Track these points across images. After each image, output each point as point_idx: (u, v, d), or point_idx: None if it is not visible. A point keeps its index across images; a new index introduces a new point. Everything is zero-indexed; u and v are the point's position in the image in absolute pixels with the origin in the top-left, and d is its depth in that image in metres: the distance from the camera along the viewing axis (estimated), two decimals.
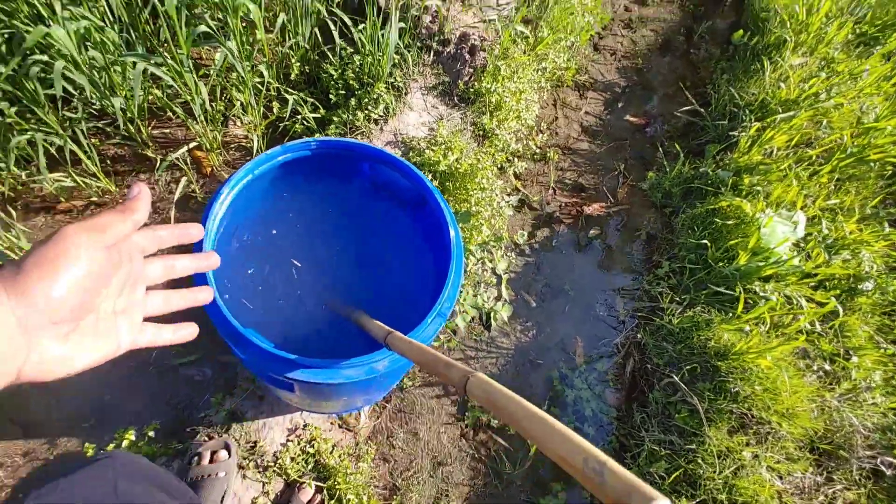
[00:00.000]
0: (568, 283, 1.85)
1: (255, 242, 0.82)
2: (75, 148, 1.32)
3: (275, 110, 1.68)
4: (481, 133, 1.74)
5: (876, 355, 1.56)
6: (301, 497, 1.17)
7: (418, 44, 1.75)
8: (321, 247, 0.85)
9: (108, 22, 1.28)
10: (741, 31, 2.18)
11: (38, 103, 1.19)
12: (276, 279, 0.83)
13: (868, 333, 1.59)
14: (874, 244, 1.64)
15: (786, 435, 1.39)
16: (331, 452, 1.25)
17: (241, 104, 1.44)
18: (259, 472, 1.20)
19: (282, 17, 1.50)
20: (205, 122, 1.44)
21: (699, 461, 1.38)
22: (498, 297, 1.71)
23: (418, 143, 1.60)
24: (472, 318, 1.67)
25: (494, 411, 0.39)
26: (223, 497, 1.02)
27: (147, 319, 0.43)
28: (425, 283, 0.83)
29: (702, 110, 2.10)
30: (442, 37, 1.76)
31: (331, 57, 1.69)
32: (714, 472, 1.34)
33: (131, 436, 1.24)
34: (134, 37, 1.32)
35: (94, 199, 1.48)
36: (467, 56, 1.74)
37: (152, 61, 1.15)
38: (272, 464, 1.21)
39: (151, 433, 1.26)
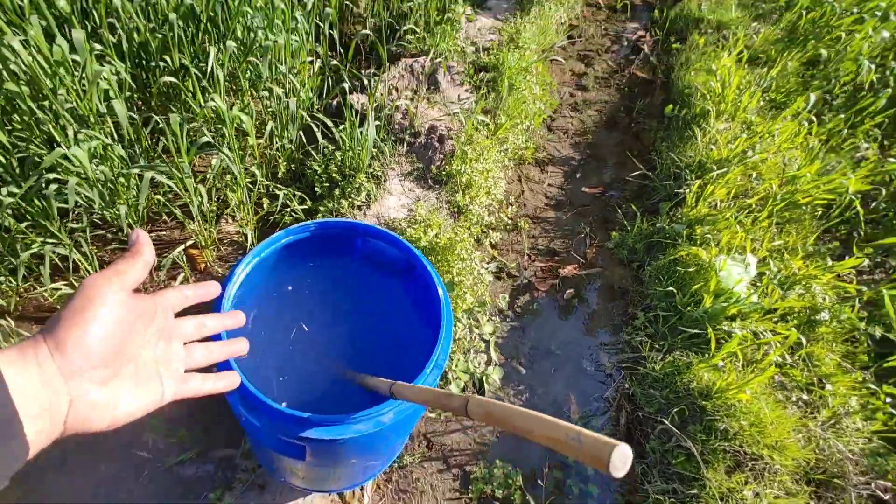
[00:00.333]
0: (553, 344, 1.92)
1: (262, 317, 0.90)
2: (79, 256, 1.40)
3: (265, 206, 1.82)
4: (456, 209, 1.91)
5: (848, 381, 1.64)
6: None
7: (392, 137, 1.96)
8: (321, 318, 0.93)
9: (113, 140, 1.44)
10: (671, 106, 2.51)
11: (48, 217, 1.29)
12: (279, 350, 0.90)
13: (835, 361, 1.70)
14: (822, 277, 1.80)
15: (780, 469, 1.42)
16: None
17: (236, 203, 1.57)
18: None
19: (270, 124, 1.69)
20: (201, 222, 1.56)
21: None
22: (488, 362, 1.76)
23: (399, 224, 1.74)
24: (465, 384, 1.71)
25: (493, 422, 0.46)
26: None
27: (190, 371, 0.46)
28: (420, 342, 0.91)
29: (650, 174, 2.35)
30: (413, 130, 1.98)
31: (314, 154, 1.88)
32: None
33: None
34: (137, 151, 1.47)
35: None
36: (437, 144, 1.95)
37: (159, 170, 1.29)
38: None
39: None
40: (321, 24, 1.95)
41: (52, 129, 1.29)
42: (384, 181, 1.87)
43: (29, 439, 0.32)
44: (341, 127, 1.75)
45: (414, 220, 1.75)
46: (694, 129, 2.25)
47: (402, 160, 1.94)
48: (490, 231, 2.08)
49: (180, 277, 1.57)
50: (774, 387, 1.60)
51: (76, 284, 1.47)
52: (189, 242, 1.65)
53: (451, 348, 0.82)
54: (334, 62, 2.04)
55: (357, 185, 1.80)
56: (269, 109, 1.75)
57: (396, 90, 2.13)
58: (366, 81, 2.00)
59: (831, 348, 1.71)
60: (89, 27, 1.44)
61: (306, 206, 1.81)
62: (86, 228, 1.42)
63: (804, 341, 1.64)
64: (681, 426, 1.53)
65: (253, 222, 1.69)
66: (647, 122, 2.73)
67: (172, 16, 1.47)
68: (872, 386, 1.66)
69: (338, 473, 0.94)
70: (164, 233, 1.76)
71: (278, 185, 1.76)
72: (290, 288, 0.93)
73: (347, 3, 2.40)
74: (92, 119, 1.36)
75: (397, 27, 2.34)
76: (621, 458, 0.34)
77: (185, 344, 0.46)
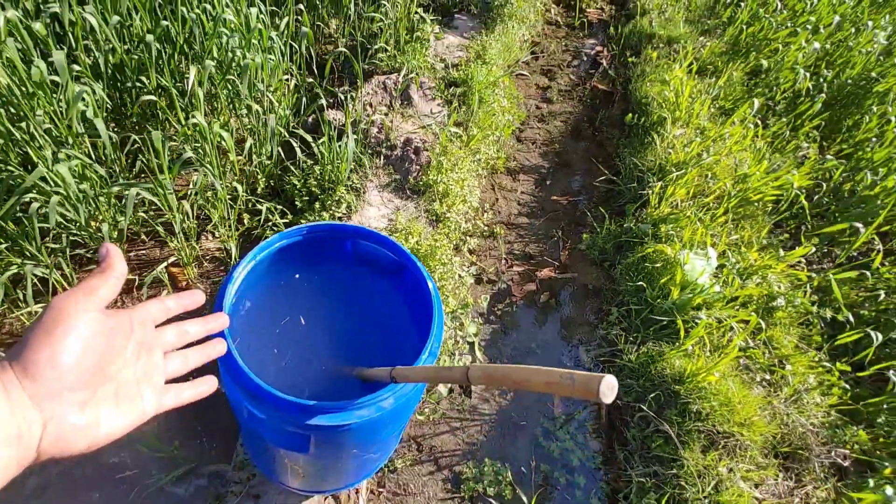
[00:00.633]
0: (534, 343, 2.00)
1: (259, 318, 0.93)
2: (59, 277, 1.39)
3: (245, 221, 1.84)
4: (434, 218, 1.97)
5: (805, 361, 1.77)
6: None
7: (370, 151, 2.02)
8: (317, 317, 0.97)
9: (90, 159, 1.44)
10: (631, 115, 2.67)
11: (27, 238, 1.28)
12: (276, 349, 0.93)
13: (793, 343, 1.83)
14: (776, 267, 1.95)
15: (750, 444, 1.52)
16: None
17: (218, 218, 1.59)
18: None
19: (249, 141, 1.73)
20: (183, 239, 1.57)
21: (683, 484, 1.46)
22: (473, 362, 1.81)
23: (381, 233, 1.79)
24: (452, 385, 1.75)
25: (494, 382, 0.52)
26: None
27: (170, 381, 0.44)
28: (412, 335, 0.96)
29: (615, 179, 2.48)
30: (389, 143, 2.05)
31: (293, 170, 1.92)
32: (698, 491, 1.43)
33: None
34: (117, 170, 1.48)
35: None
36: (413, 156, 2.02)
37: (144, 187, 1.30)
38: None
39: None
40: (294, 45, 2.01)
41: (29, 150, 1.30)
42: (363, 193, 1.92)
43: None
44: (320, 141, 1.80)
45: (395, 228, 1.81)
46: (653, 136, 2.40)
47: (380, 172, 2.00)
48: (468, 238, 2.16)
49: (163, 294, 1.57)
50: (740, 369, 1.71)
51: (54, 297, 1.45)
52: (170, 260, 1.65)
53: (443, 331, 0.86)
54: (309, 80, 2.09)
55: (337, 198, 1.85)
56: (248, 126, 1.79)
57: (371, 106, 2.20)
58: (342, 97, 2.07)
59: (788, 331, 1.85)
60: (64, 49, 1.46)
61: (287, 220, 1.84)
62: (65, 249, 1.41)
63: (764, 326, 1.76)
64: (658, 411, 1.62)
65: (235, 237, 1.70)
66: (609, 130, 2.88)
67: (149, 37, 1.50)
68: (827, 364, 1.80)
69: (338, 468, 0.97)
70: (143, 252, 1.75)
71: (260, 200, 1.78)
72: (285, 289, 0.97)
73: (318, 24, 2.47)
74: (70, 139, 1.36)
75: (368, 46, 2.42)
76: (608, 386, 0.40)
77: (166, 353, 0.45)
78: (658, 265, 1.92)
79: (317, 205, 1.86)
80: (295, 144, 1.83)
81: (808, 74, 2.65)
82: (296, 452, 0.84)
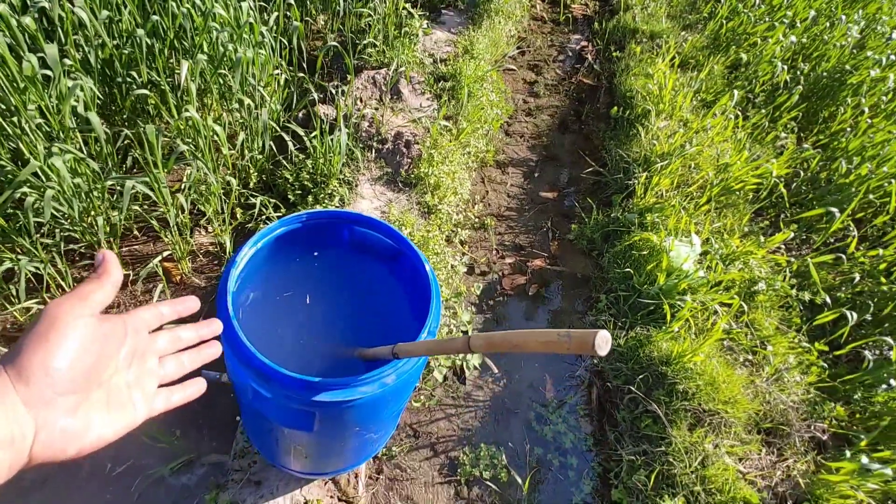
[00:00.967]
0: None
1: (260, 303, 0.96)
2: (53, 272, 1.39)
3: (238, 216, 1.85)
4: (426, 210, 2.00)
5: (785, 342, 1.85)
6: None
7: (361, 145, 2.04)
8: (317, 301, 1.00)
9: (84, 153, 1.45)
10: (616, 108, 2.73)
11: (20, 232, 1.29)
12: (278, 333, 0.96)
13: (774, 325, 1.90)
14: (757, 252, 2.02)
15: (734, 421, 1.58)
16: None
17: (212, 212, 1.60)
18: None
19: (241, 135, 1.74)
20: (177, 233, 1.58)
21: (671, 461, 1.52)
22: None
23: (379, 219, 1.82)
24: (448, 372, 1.79)
25: (495, 348, 0.55)
26: None
27: (165, 385, 0.45)
28: (410, 318, 0.99)
29: (602, 170, 2.54)
30: (380, 136, 2.07)
31: (285, 164, 1.93)
32: (685, 467, 1.49)
33: None
34: (110, 164, 1.49)
35: None
36: (404, 149, 2.05)
37: (139, 180, 1.31)
38: None
39: None
40: (283, 40, 2.02)
41: (21, 145, 1.30)
42: (356, 186, 1.94)
43: None
44: (313, 135, 1.82)
45: (387, 220, 1.83)
46: (638, 128, 2.46)
47: (372, 165, 2.03)
48: (459, 229, 2.19)
49: (159, 288, 1.57)
50: (724, 350, 1.78)
51: (49, 302, 1.45)
52: (164, 254, 1.66)
53: (441, 311, 0.90)
54: (299, 75, 2.10)
55: (330, 191, 1.87)
56: (239, 121, 1.80)
57: (361, 100, 2.22)
58: (332, 92, 2.08)
59: (769, 314, 1.92)
60: (55, 44, 1.45)
61: (280, 214, 1.85)
62: (59, 244, 1.41)
63: (746, 309, 1.83)
64: (646, 392, 1.67)
65: (228, 231, 1.72)
66: (595, 123, 2.94)
67: (140, 32, 1.51)
68: (806, 344, 1.87)
69: (340, 448, 1.00)
70: (136, 247, 1.75)
71: (253, 193, 1.80)
72: (285, 275, 1.00)
73: (307, 19, 2.48)
74: (62, 134, 1.37)
75: (357, 41, 2.44)
76: (603, 339, 0.44)
77: (161, 358, 0.45)
78: (644, 253, 1.98)
79: (309, 198, 1.88)
80: (287, 139, 1.84)
81: (785, 67, 2.73)
82: (300, 431, 0.87)
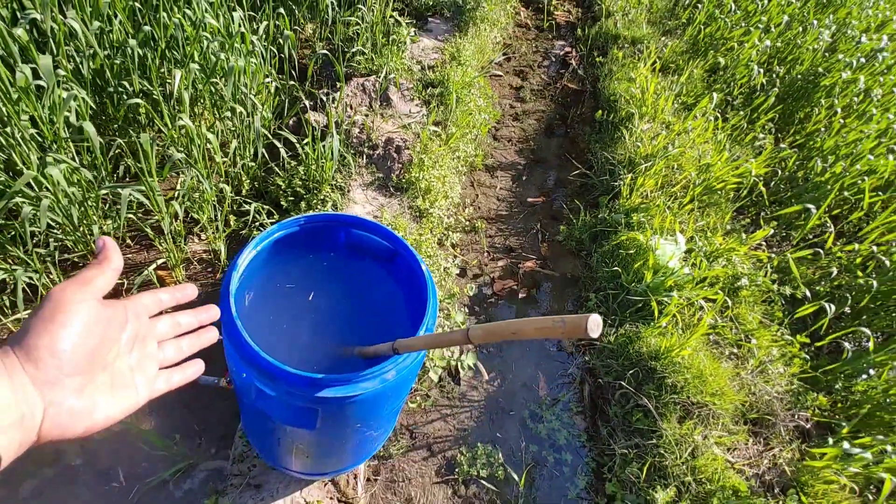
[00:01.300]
0: None
1: (260, 306, 0.98)
2: (48, 282, 1.40)
3: (231, 223, 1.87)
4: (418, 213, 2.03)
5: (768, 335, 1.91)
6: None
7: (352, 151, 2.07)
8: (316, 303, 1.02)
9: (76, 163, 1.45)
10: (601, 112, 2.80)
11: (17, 243, 1.29)
12: (278, 334, 0.98)
13: (757, 319, 1.96)
14: (739, 249, 2.08)
15: (721, 413, 1.63)
16: None
17: (207, 219, 1.61)
18: None
19: (234, 143, 1.75)
20: (171, 240, 1.59)
21: (662, 453, 1.56)
22: (462, 352, 1.88)
23: (375, 222, 1.85)
24: (443, 372, 1.82)
25: (494, 337, 0.58)
26: None
27: (165, 368, 0.47)
28: (407, 318, 1.02)
29: (588, 172, 2.60)
30: (371, 142, 2.11)
31: (277, 171, 1.95)
32: (676, 458, 1.53)
33: None
34: (104, 173, 1.49)
35: None
36: (395, 154, 2.08)
37: (135, 188, 1.32)
38: None
39: None
40: (273, 49, 2.04)
41: (14, 155, 1.30)
42: (348, 191, 1.97)
43: (1, 450, 0.32)
44: (305, 141, 1.84)
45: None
46: (622, 130, 2.53)
47: (364, 171, 2.05)
48: (450, 232, 2.23)
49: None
50: (710, 344, 1.83)
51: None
52: (158, 262, 1.67)
53: (437, 308, 0.92)
54: (290, 83, 2.13)
55: (322, 197, 1.89)
56: (231, 129, 1.82)
57: (351, 107, 2.25)
58: (323, 99, 2.11)
59: (752, 308, 1.98)
60: (48, 55, 1.46)
61: (274, 220, 1.87)
62: (53, 253, 1.41)
63: (730, 304, 1.89)
64: (637, 387, 1.72)
65: (222, 238, 1.73)
66: (580, 127, 3.00)
67: (132, 42, 1.52)
68: (788, 337, 1.94)
69: (340, 446, 1.02)
70: (128, 256, 1.76)
71: (246, 200, 1.81)
72: (284, 277, 1.02)
73: (295, 28, 2.50)
74: (56, 144, 1.37)
75: (346, 49, 2.47)
76: (594, 323, 0.47)
77: (160, 342, 0.47)
78: (632, 251, 2.03)
79: (302, 204, 1.90)
80: (279, 146, 1.86)
81: (761, 71, 2.82)
82: (303, 430, 0.89)
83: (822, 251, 2.16)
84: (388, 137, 2.14)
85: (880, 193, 2.34)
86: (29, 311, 1.41)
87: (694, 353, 1.66)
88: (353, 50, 2.43)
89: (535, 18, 3.96)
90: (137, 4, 1.62)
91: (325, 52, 2.13)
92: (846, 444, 1.50)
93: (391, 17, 2.58)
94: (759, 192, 2.36)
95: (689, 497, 1.48)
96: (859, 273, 2.10)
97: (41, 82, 1.33)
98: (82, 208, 1.39)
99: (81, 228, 1.47)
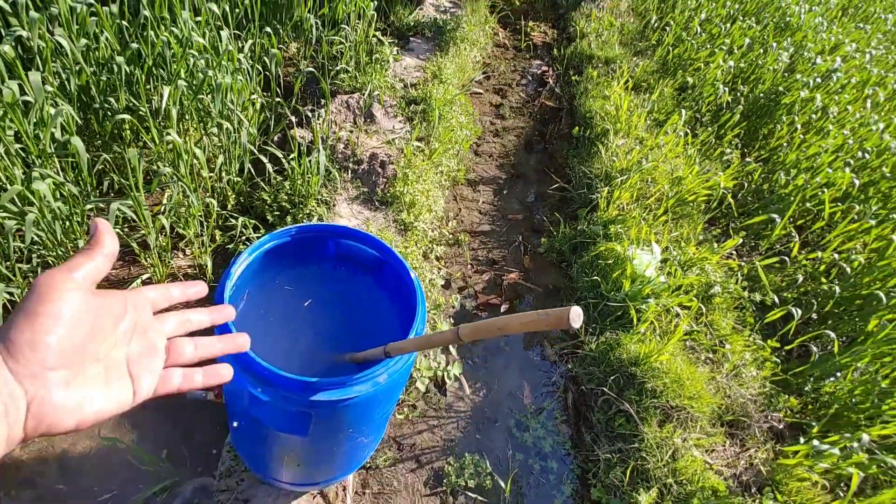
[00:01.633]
0: (502, 342, 2.12)
1: (253, 314, 1.00)
2: None
3: (217, 238, 1.87)
4: (403, 227, 2.07)
5: (741, 340, 1.99)
6: None
7: (337, 166, 2.11)
8: (308, 311, 1.04)
9: (62, 178, 1.45)
10: (577, 128, 2.91)
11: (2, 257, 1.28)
12: (271, 341, 0.99)
13: (730, 325, 2.05)
14: (712, 258, 2.18)
15: (699, 416, 1.69)
16: None
17: (193, 234, 1.62)
18: None
19: (220, 158, 1.77)
20: (157, 256, 1.59)
21: (644, 456, 1.61)
22: (448, 360, 1.91)
23: (365, 231, 1.88)
24: (429, 383, 1.84)
25: (483, 334, 0.62)
26: None
27: (186, 367, 0.44)
28: (397, 326, 1.05)
29: (567, 186, 2.69)
30: (356, 158, 2.15)
31: (263, 186, 1.97)
32: (658, 461, 1.58)
33: None
34: (89, 188, 1.50)
35: None
36: (379, 169, 2.12)
37: (123, 203, 1.33)
38: None
39: None
40: (258, 67, 2.08)
41: None
42: (334, 206, 2.00)
43: None
44: (291, 156, 1.87)
45: None
46: (598, 146, 2.63)
47: (349, 186, 2.09)
48: (435, 245, 2.27)
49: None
50: (686, 350, 1.90)
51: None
52: (143, 278, 1.66)
53: (426, 314, 0.95)
54: (276, 100, 2.17)
55: (308, 211, 1.92)
56: (218, 145, 1.84)
57: (336, 123, 2.29)
58: (309, 115, 2.15)
59: (725, 315, 2.07)
60: (34, 71, 1.47)
61: (260, 234, 1.88)
62: (36, 269, 1.40)
63: (704, 310, 1.97)
64: (618, 393, 1.77)
65: (208, 253, 1.73)
66: (558, 143, 3.11)
67: (119, 59, 1.54)
68: (760, 341, 2.02)
69: (332, 453, 1.03)
70: (112, 272, 1.74)
71: (233, 215, 1.83)
72: (275, 287, 1.04)
73: (280, 47, 2.55)
74: (41, 159, 1.38)
75: (330, 68, 2.52)
76: (576, 314, 0.51)
77: (169, 339, 0.44)
78: (610, 262, 2.11)
79: (288, 219, 1.92)
80: (265, 161, 1.89)
81: (726, 89, 2.98)
82: (295, 436, 0.91)
83: (788, 259, 2.28)
84: (373, 153, 2.18)
85: (839, 204, 2.48)
86: None
87: (672, 359, 1.73)
88: (338, 68, 2.48)
89: (513, 39, 4.10)
90: (125, 23, 1.64)
91: (310, 69, 2.17)
92: (815, 442, 1.57)
93: (374, 36, 2.65)
94: (728, 204, 2.48)
95: (671, 498, 1.52)
96: (823, 280, 2.22)
97: (27, 98, 1.34)
98: (67, 223, 1.38)
99: (66, 244, 1.46)
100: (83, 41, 1.51)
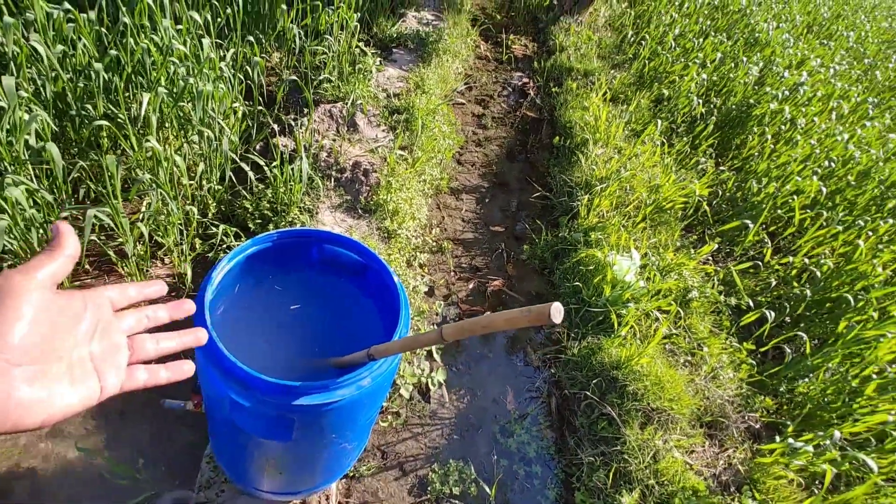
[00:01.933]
0: (486, 349, 2.13)
1: (233, 320, 0.99)
2: None
3: (197, 247, 1.85)
4: (386, 235, 2.08)
5: (718, 343, 2.04)
6: None
7: (320, 174, 2.11)
8: (290, 317, 1.04)
9: (36, 185, 1.42)
10: (558, 138, 2.97)
11: None
12: (252, 347, 0.99)
13: (707, 328, 2.10)
14: (689, 264, 2.24)
15: (679, 417, 1.72)
16: None
17: (173, 242, 1.60)
18: None
19: (201, 165, 1.76)
20: (134, 264, 1.56)
21: (626, 458, 1.63)
22: (432, 367, 1.91)
23: (348, 236, 1.87)
24: (413, 390, 1.83)
25: (467, 334, 0.63)
26: None
27: (150, 363, 0.45)
28: (380, 330, 1.05)
29: (548, 194, 2.73)
30: (339, 166, 2.15)
31: (245, 194, 1.96)
32: (639, 462, 1.60)
33: None
34: (64, 196, 1.47)
35: None
36: (363, 178, 2.13)
37: (100, 210, 1.31)
38: None
39: None
40: (240, 76, 2.08)
41: None
42: (316, 213, 1.99)
43: None
44: (273, 164, 1.87)
45: None
46: (578, 155, 2.68)
47: (332, 194, 2.09)
48: (418, 253, 2.28)
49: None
50: (666, 353, 1.94)
51: None
52: None
53: (410, 318, 0.95)
54: (259, 108, 2.16)
55: (290, 219, 1.91)
56: (198, 152, 1.82)
57: (319, 132, 2.29)
58: (292, 124, 2.15)
59: (703, 318, 2.12)
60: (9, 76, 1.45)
61: (241, 243, 1.87)
62: None
63: (682, 314, 2.01)
64: (601, 396, 1.79)
65: (188, 261, 1.71)
66: (540, 152, 3.16)
67: (98, 66, 1.53)
68: (736, 344, 2.08)
69: (315, 460, 1.02)
70: (87, 281, 1.70)
71: (213, 223, 1.81)
72: (257, 292, 1.03)
73: (263, 56, 2.55)
74: (14, 166, 1.35)
75: (313, 77, 2.53)
76: (556, 310, 0.53)
77: (130, 336, 0.45)
78: (591, 268, 2.14)
79: (270, 227, 1.91)
80: (247, 169, 1.88)
81: (700, 101, 3.09)
82: (277, 442, 0.90)
83: (761, 264, 2.35)
84: (356, 161, 2.19)
85: (808, 211, 2.57)
86: None
87: (652, 362, 1.76)
88: (321, 77, 2.50)
89: (495, 51, 4.17)
90: (103, 30, 1.63)
91: (293, 78, 2.18)
92: (791, 441, 1.61)
93: (357, 47, 2.68)
94: (703, 211, 2.55)
95: (653, 499, 1.54)
96: (795, 283, 2.29)
97: (1, 103, 1.31)
98: (41, 231, 1.36)
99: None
100: (60, 47, 1.50)
